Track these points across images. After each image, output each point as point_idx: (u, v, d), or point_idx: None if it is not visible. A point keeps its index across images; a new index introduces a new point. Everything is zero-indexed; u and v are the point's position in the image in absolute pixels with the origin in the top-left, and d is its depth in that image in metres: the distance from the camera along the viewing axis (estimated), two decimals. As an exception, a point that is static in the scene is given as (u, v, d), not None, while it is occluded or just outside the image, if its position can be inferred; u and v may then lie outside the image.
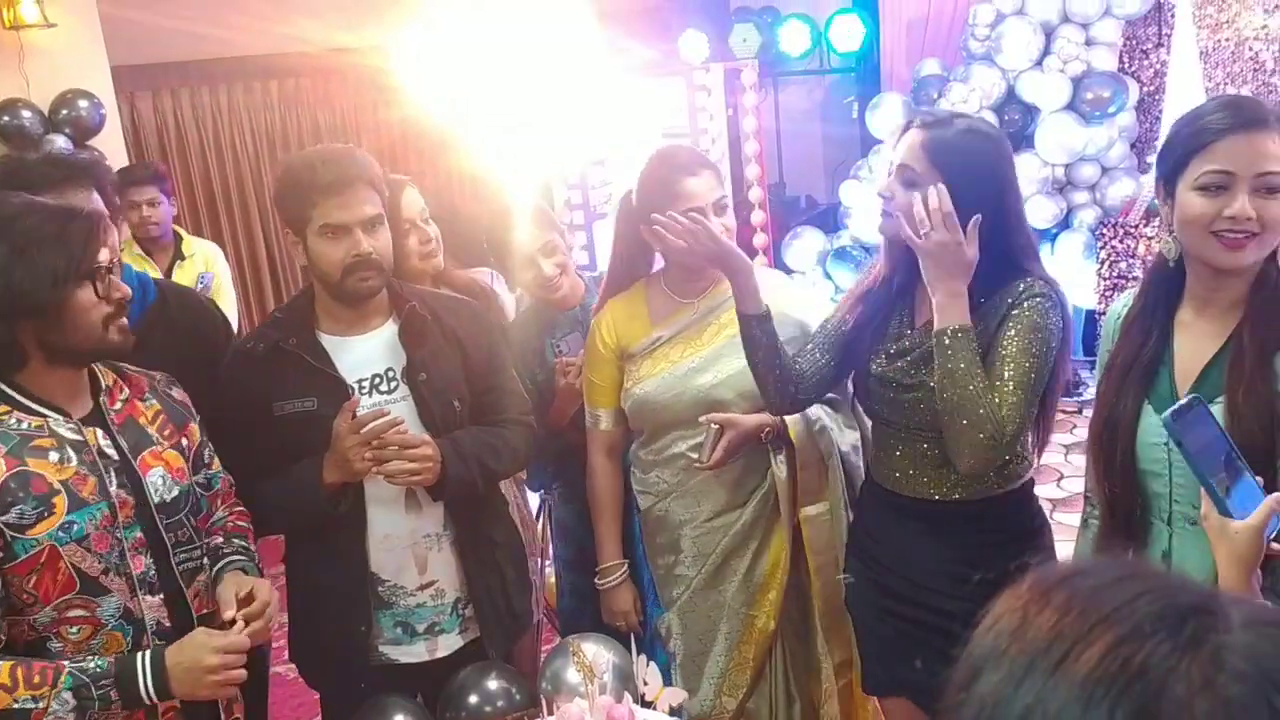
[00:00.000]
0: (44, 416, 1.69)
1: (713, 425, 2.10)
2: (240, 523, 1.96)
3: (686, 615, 2.32)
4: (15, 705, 1.56)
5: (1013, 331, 1.83)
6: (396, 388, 2.10)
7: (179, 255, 4.21)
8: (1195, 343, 1.69)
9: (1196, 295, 1.69)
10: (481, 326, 2.27)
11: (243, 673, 1.69)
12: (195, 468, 1.87)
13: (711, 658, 2.29)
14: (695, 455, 2.15)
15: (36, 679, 1.60)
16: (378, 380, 2.10)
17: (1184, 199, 1.61)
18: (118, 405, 1.79)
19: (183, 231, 4.39)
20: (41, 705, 1.58)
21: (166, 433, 1.83)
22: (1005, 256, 1.90)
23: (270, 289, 6.22)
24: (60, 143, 4.57)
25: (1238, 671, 0.49)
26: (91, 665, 1.64)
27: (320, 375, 2.04)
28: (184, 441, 1.86)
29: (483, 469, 2.13)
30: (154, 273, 3.60)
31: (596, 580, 2.40)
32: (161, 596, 1.75)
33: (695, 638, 2.30)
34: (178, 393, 1.91)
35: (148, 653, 1.66)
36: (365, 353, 2.10)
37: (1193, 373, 1.67)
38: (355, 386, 2.07)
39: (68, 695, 1.61)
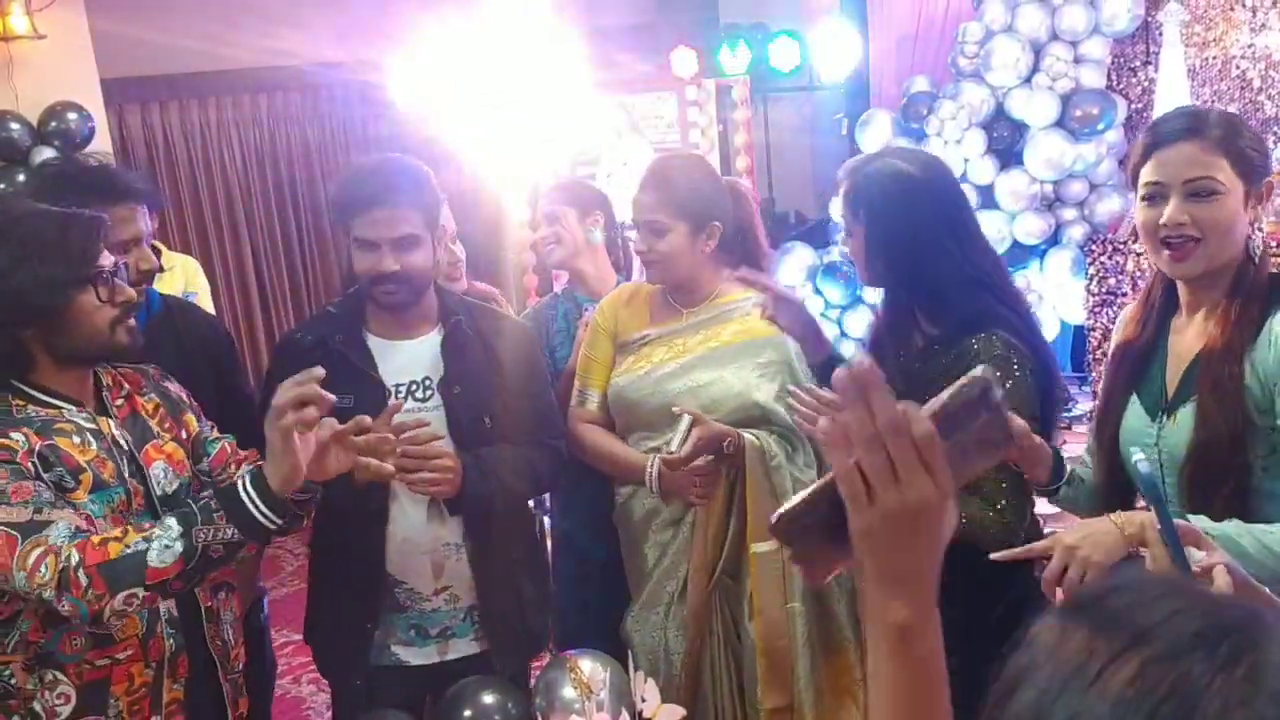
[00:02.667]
0: (58, 408, 1.70)
1: (686, 416, 2.09)
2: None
3: (640, 628, 2.32)
4: (127, 550, 1.54)
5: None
6: (431, 397, 2.13)
7: (158, 268, 4.19)
8: (1184, 344, 1.73)
9: (1184, 299, 1.73)
10: (525, 347, 2.29)
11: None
12: (196, 457, 1.87)
13: (663, 675, 2.27)
14: (667, 450, 2.13)
15: (146, 528, 1.59)
16: (414, 387, 2.14)
17: (1136, 209, 1.71)
18: (119, 401, 1.80)
19: (160, 245, 4.37)
20: (148, 544, 1.55)
21: (166, 425, 1.84)
22: (940, 294, 1.93)
23: (258, 303, 6.19)
24: (48, 155, 4.54)
25: (1274, 692, 0.47)
26: (187, 510, 1.61)
27: (361, 376, 2.07)
28: (183, 434, 1.86)
29: (503, 487, 2.15)
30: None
31: (650, 477, 2.26)
32: None
33: (648, 650, 2.29)
34: (172, 385, 1.92)
35: (247, 476, 1.62)
36: (408, 359, 2.15)
37: (1179, 373, 1.71)
38: (393, 390, 2.09)
39: (171, 521, 1.58)
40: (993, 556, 1.60)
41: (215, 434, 1.94)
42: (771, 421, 2.23)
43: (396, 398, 2.08)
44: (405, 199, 2.05)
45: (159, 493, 1.76)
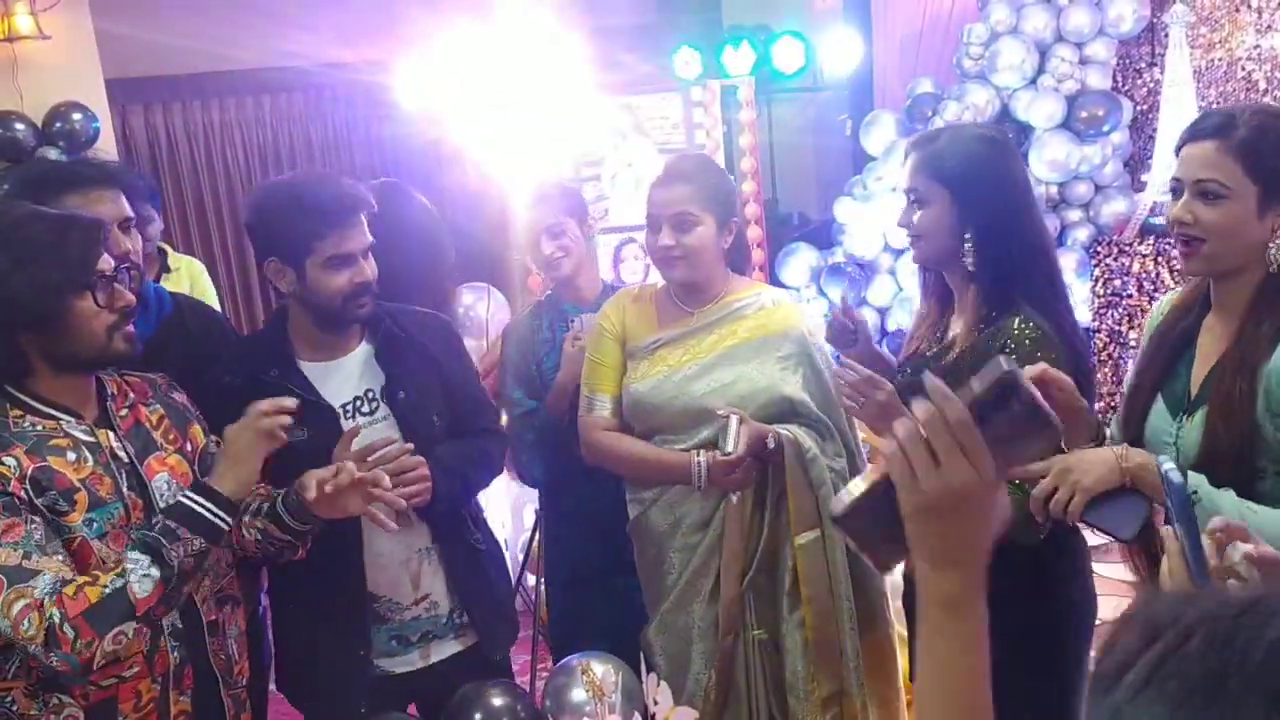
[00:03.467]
0: (57, 419, 1.68)
1: (734, 416, 2.08)
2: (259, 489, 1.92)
3: (664, 632, 2.31)
4: (107, 591, 1.56)
5: None
6: (377, 408, 2.10)
7: (164, 269, 4.19)
8: (1210, 347, 1.71)
9: (1214, 299, 1.73)
10: (449, 337, 2.28)
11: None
12: (203, 469, 1.85)
13: (691, 676, 2.27)
14: (721, 452, 2.11)
15: (112, 563, 1.62)
16: (359, 403, 2.10)
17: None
18: (123, 411, 1.78)
19: (167, 246, 4.37)
20: (124, 579, 1.58)
21: (171, 437, 1.82)
22: (1012, 266, 1.92)
23: (260, 303, 6.18)
24: (53, 156, 4.54)
25: None
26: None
27: (309, 405, 1.99)
28: (188, 446, 1.84)
29: (465, 483, 2.18)
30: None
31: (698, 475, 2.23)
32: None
33: (671, 657, 2.29)
34: (179, 395, 1.90)
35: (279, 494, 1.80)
36: (344, 376, 2.10)
37: (1203, 374, 1.70)
38: (340, 412, 2.06)
39: (135, 554, 1.60)
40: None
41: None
42: (799, 414, 2.23)
43: (345, 418, 2.06)
44: (362, 207, 2.01)
45: (161, 505, 1.74)
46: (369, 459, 1.92)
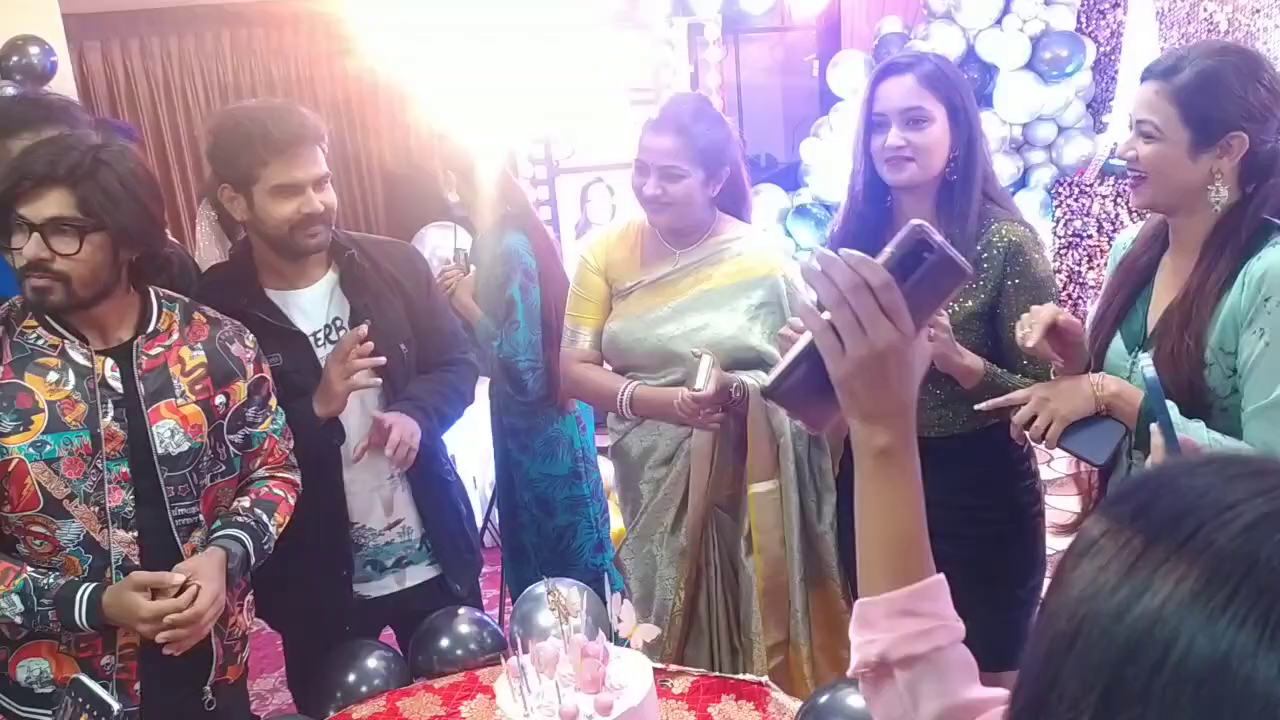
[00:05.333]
0: (63, 338, 1.72)
1: (706, 356, 2.11)
2: (276, 491, 1.96)
3: (632, 557, 2.38)
4: None
5: (1021, 308, 1.89)
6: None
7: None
8: (1167, 285, 1.76)
9: (1171, 238, 1.78)
10: (418, 268, 2.30)
11: (182, 639, 1.72)
12: (232, 426, 1.86)
13: (657, 600, 2.34)
14: (693, 387, 2.14)
15: (56, 490, 1.67)
16: (328, 330, 2.14)
17: None
18: (155, 350, 1.79)
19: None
20: None
21: (199, 387, 1.82)
22: (984, 184, 2.01)
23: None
24: (9, 91, 4.44)
25: None
26: (47, 581, 1.68)
27: (281, 332, 2.04)
28: (219, 399, 1.84)
29: (440, 416, 2.23)
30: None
31: (627, 408, 2.31)
32: (136, 534, 1.75)
33: (640, 580, 2.36)
34: (238, 347, 1.90)
35: (90, 588, 1.69)
36: (311, 305, 2.13)
37: (1159, 313, 1.75)
38: (312, 339, 2.09)
39: (16, 598, 1.66)
40: (978, 406, 1.80)
41: (267, 425, 1.95)
42: (766, 364, 2.26)
43: (316, 345, 2.10)
44: (314, 137, 2.02)
45: (160, 451, 1.76)
46: (356, 352, 2.01)
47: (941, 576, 0.90)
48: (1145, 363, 1.38)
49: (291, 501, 1.97)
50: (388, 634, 2.40)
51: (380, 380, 2.08)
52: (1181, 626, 0.47)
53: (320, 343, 2.11)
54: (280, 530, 1.93)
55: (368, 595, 2.23)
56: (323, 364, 2.07)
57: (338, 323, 2.13)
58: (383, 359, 2.03)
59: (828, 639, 2.32)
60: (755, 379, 2.22)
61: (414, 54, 4.70)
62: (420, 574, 2.27)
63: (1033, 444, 1.85)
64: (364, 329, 2.02)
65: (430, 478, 2.25)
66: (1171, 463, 1.18)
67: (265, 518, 1.90)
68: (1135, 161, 1.70)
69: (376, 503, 2.19)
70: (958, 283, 0.90)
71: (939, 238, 0.87)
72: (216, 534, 1.84)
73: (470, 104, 4.63)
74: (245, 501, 1.91)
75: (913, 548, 0.89)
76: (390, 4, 4.55)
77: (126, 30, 5.72)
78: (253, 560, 1.86)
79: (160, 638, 1.68)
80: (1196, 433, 1.59)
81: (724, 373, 2.16)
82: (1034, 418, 1.74)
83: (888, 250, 0.87)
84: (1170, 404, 1.62)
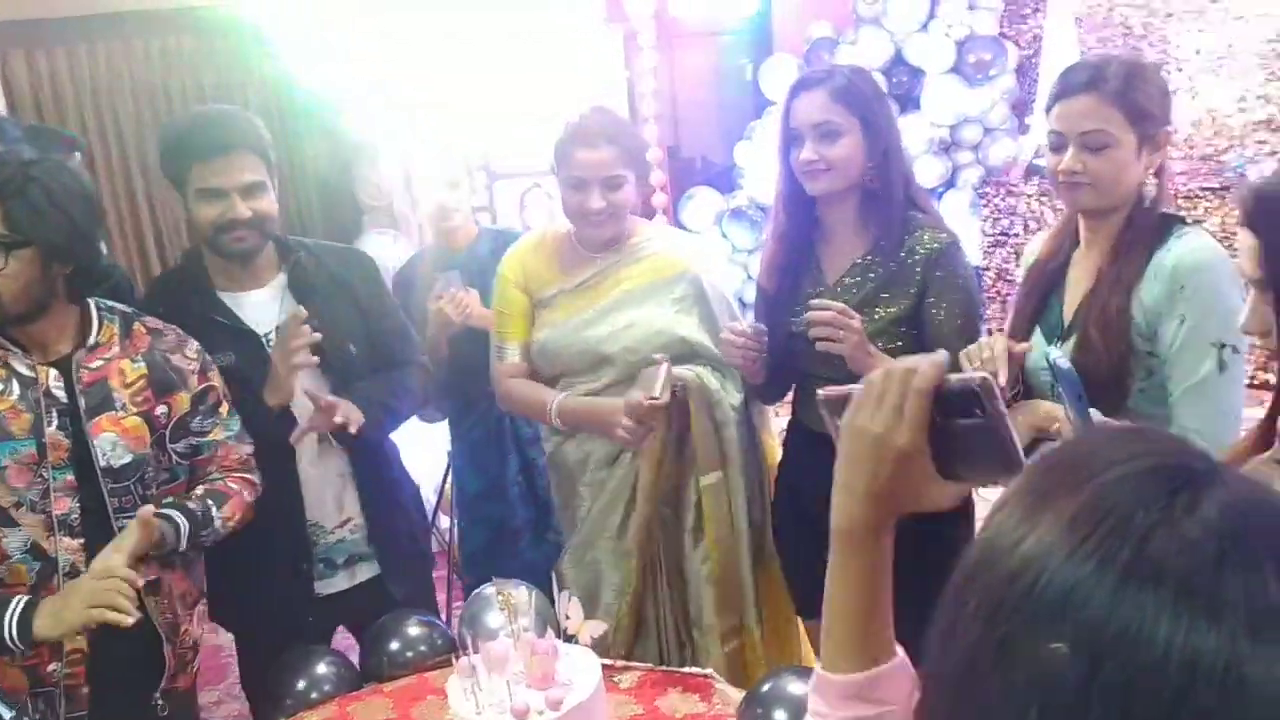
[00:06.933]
0: (6, 351, 1.72)
1: (664, 364, 2.15)
2: (231, 485, 1.96)
3: (575, 565, 2.40)
4: None
5: (944, 312, 1.95)
6: None
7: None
8: (1080, 278, 1.85)
9: (1083, 234, 1.86)
10: (370, 272, 2.33)
11: (112, 602, 1.67)
12: (175, 436, 1.86)
13: (601, 607, 2.37)
14: (647, 396, 2.16)
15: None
16: (279, 331, 2.15)
17: (1046, 153, 1.85)
18: (96, 363, 1.79)
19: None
20: None
21: (140, 399, 1.82)
22: (905, 191, 2.07)
23: (154, 251, 6.03)
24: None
25: (1207, 520, 0.53)
26: None
27: (233, 331, 2.07)
28: (160, 410, 1.84)
29: (389, 413, 2.26)
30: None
31: (556, 419, 2.36)
32: (82, 541, 1.75)
33: (582, 588, 2.38)
34: (180, 358, 1.90)
35: (22, 600, 1.67)
36: (261, 306, 2.17)
37: (1075, 304, 1.84)
38: (265, 340, 2.11)
39: None
40: None
41: (217, 433, 1.94)
42: (699, 354, 2.31)
43: (267, 347, 2.13)
44: (247, 144, 2.05)
45: (103, 464, 1.76)
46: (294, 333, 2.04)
47: (901, 658, 0.91)
48: (1056, 354, 1.46)
49: (247, 498, 1.98)
50: (347, 640, 2.41)
51: (318, 360, 2.10)
52: (1048, 559, 0.55)
53: (271, 344, 2.13)
54: (232, 524, 1.93)
55: (321, 593, 2.26)
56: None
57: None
58: (319, 335, 2.05)
59: (774, 618, 2.42)
60: (696, 372, 2.26)
61: (346, 61, 4.69)
62: (374, 569, 2.31)
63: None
64: (303, 311, 2.04)
65: (380, 480, 2.28)
66: (1077, 434, 1.27)
67: (211, 504, 1.91)
68: (1081, 173, 1.76)
69: (328, 500, 2.22)
70: (996, 466, 0.84)
71: (999, 406, 0.83)
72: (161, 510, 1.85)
73: (404, 111, 4.63)
74: (197, 491, 1.92)
75: (873, 628, 0.90)
76: (322, 12, 4.54)
77: (52, 38, 5.62)
78: (183, 542, 1.84)
79: (93, 615, 1.66)
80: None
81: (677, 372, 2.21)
82: None
83: (954, 377, 0.86)
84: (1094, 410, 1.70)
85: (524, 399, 2.39)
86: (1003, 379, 1.72)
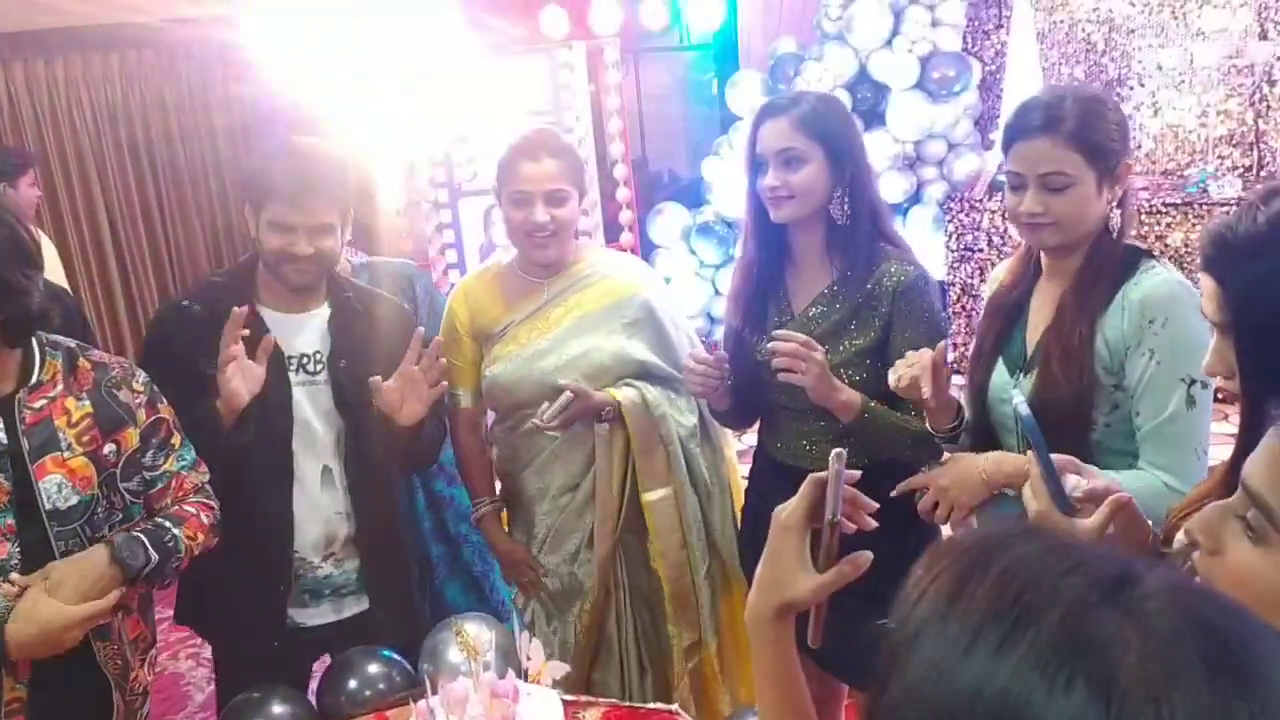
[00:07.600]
0: None
1: (569, 393, 2.15)
2: (186, 509, 1.89)
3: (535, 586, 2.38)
4: None
5: (909, 345, 1.94)
6: (321, 371, 2.15)
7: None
8: (1043, 310, 1.84)
9: (1045, 266, 1.85)
10: (404, 324, 2.30)
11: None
12: (126, 474, 1.81)
13: (559, 632, 2.34)
14: (540, 421, 2.18)
15: None
16: (306, 360, 2.15)
17: (1006, 190, 1.83)
18: (39, 403, 1.72)
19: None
20: None
21: (86, 439, 1.76)
22: (873, 222, 2.06)
23: (117, 274, 5.94)
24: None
25: (1163, 630, 0.52)
26: None
27: (256, 347, 2.04)
28: (108, 448, 1.79)
29: (402, 457, 2.26)
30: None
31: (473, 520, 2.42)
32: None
33: (542, 610, 2.35)
34: (126, 393, 1.84)
35: None
36: (300, 331, 2.16)
37: (1038, 334, 1.83)
38: (288, 362, 2.10)
39: None
40: (892, 494, 1.77)
41: (170, 464, 1.90)
42: (652, 374, 2.29)
43: (290, 370, 2.11)
44: (324, 188, 2.05)
45: (49, 506, 1.70)
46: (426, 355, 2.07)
47: None
48: (1018, 400, 1.44)
49: (205, 520, 1.92)
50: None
51: (273, 341, 2.08)
52: (1031, 700, 0.50)
53: (294, 368, 2.12)
54: (194, 544, 1.88)
55: (304, 623, 2.22)
56: (294, 389, 2.11)
57: (318, 355, 2.16)
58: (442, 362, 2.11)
59: (736, 636, 2.38)
60: (636, 389, 2.25)
61: (311, 78, 4.65)
62: (360, 604, 2.27)
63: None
64: (243, 310, 2.02)
65: (377, 518, 2.24)
66: (1040, 486, 1.26)
67: (169, 524, 1.85)
68: (1042, 214, 1.75)
69: (319, 533, 2.19)
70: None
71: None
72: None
73: (369, 128, 4.60)
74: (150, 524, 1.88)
75: (793, 715, 1.00)
76: (286, 29, 4.50)
77: (9, 53, 5.54)
78: (151, 556, 1.77)
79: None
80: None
81: (598, 396, 2.20)
82: (936, 504, 1.82)
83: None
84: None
85: (466, 470, 2.45)
86: (927, 392, 1.73)
